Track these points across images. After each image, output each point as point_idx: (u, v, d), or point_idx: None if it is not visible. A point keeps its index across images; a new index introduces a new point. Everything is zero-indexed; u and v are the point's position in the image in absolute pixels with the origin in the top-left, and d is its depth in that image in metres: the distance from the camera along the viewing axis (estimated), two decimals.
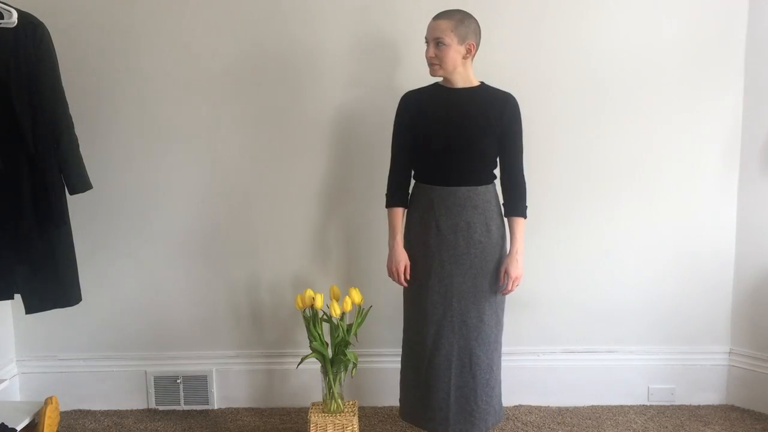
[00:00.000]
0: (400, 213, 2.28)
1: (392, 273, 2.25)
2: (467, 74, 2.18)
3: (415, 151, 2.24)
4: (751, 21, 2.61)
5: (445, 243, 2.16)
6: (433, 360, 2.17)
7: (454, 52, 2.12)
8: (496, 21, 2.50)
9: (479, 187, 2.18)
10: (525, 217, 2.23)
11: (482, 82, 2.23)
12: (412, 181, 2.30)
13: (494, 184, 2.24)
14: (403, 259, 2.23)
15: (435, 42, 2.11)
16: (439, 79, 2.25)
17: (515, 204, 2.23)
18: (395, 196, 2.28)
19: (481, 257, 2.16)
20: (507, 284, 2.17)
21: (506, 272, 2.17)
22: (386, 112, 2.31)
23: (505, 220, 2.25)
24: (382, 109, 2.45)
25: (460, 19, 2.11)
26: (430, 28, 2.13)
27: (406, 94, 2.28)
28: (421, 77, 2.31)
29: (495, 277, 2.19)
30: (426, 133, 2.19)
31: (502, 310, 2.25)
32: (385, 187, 2.30)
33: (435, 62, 2.14)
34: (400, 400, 2.34)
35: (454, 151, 2.15)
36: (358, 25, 2.60)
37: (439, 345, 2.16)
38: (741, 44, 2.63)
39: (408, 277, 2.23)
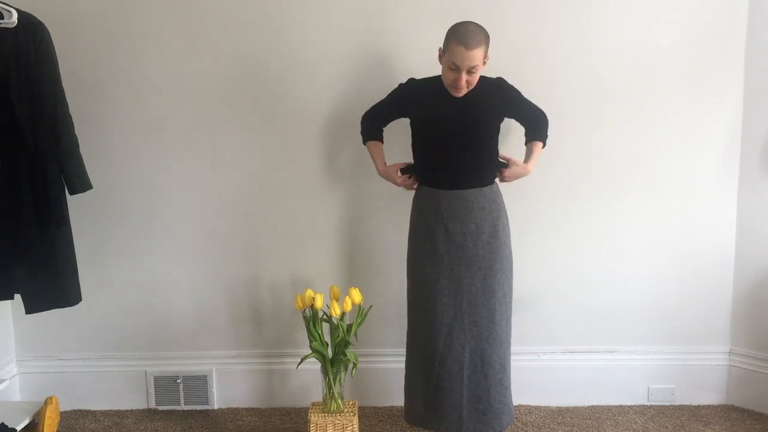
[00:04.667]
0: (380, 145, 2.36)
1: (394, 181, 2.32)
2: None
3: (419, 150, 2.24)
4: (751, 21, 2.61)
5: (454, 246, 2.16)
6: (445, 362, 2.17)
7: (481, 69, 2.12)
8: (498, 20, 2.49)
9: (484, 188, 2.19)
10: (544, 144, 2.31)
11: None
12: (415, 183, 2.31)
13: (497, 184, 2.26)
14: (392, 169, 2.31)
15: (469, 69, 2.07)
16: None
17: (536, 130, 2.30)
18: (372, 132, 2.37)
19: (490, 257, 2.16)
20: (504, 172, 2.26)
21: (506, 172, 2.27)
22: None
23: (510, 218, 2.26)
24: None
25: (486, 39, 2.07)
26: (465, 59, 2.02)
27: (414, 81, 2.29)
28: (418, 77, 2.33)
29: (504, 277, 2.19)
30: (431, 132, 2.20)
31: (511, 308, 2.26)
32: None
33: (464, 86, 2.11)
34: (406, 405, 2.32)
35: (460, 149, 2.16)
36: (357, 26, 2.60)
37: (450, 347, 2.16)
38: (741, 45, 2.63)
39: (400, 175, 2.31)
